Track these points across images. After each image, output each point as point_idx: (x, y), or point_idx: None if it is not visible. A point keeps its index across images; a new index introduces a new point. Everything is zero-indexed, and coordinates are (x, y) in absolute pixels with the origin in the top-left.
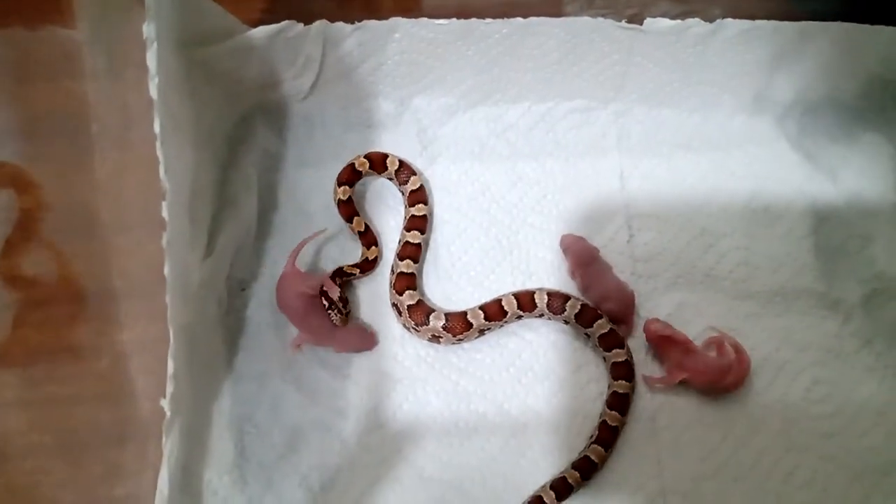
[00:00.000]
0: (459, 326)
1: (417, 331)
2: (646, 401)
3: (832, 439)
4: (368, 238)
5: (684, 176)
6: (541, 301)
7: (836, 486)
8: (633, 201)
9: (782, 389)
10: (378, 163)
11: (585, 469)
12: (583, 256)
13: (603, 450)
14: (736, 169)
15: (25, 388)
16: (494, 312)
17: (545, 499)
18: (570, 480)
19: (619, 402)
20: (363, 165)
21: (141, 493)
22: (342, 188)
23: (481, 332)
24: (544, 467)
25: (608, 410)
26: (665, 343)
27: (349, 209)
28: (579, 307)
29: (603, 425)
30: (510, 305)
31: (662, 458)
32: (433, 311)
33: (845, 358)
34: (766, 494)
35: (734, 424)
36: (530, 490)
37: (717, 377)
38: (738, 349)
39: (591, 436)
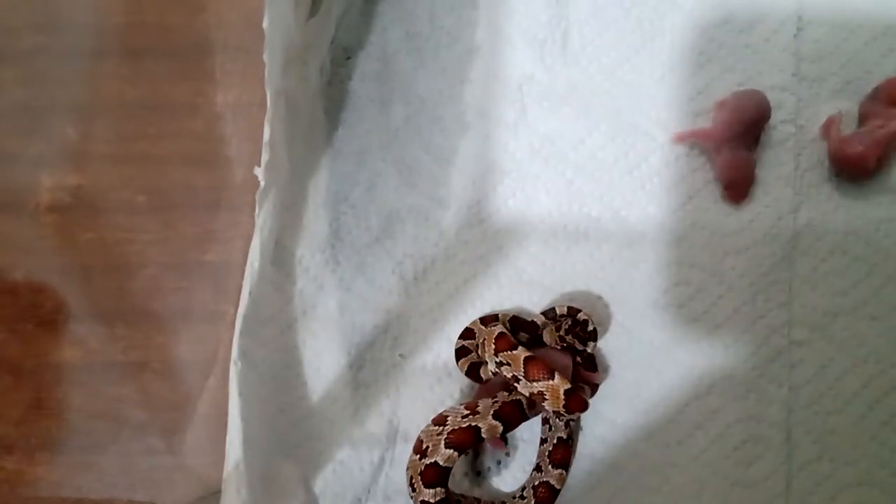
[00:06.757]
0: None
1: None
2: (787, 222)
3: None
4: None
5: None
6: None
7: None
8: None
9: None
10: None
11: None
12: (747, 111)
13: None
14: None
15: (118, 142)
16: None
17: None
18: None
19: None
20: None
21: (231, 260)
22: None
23: None
24: (658, 282)
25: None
26: None
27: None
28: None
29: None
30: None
31: (795, 287)
32: None
33: None
34: None
35: (887, 258)
36: (637, 304)
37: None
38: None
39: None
